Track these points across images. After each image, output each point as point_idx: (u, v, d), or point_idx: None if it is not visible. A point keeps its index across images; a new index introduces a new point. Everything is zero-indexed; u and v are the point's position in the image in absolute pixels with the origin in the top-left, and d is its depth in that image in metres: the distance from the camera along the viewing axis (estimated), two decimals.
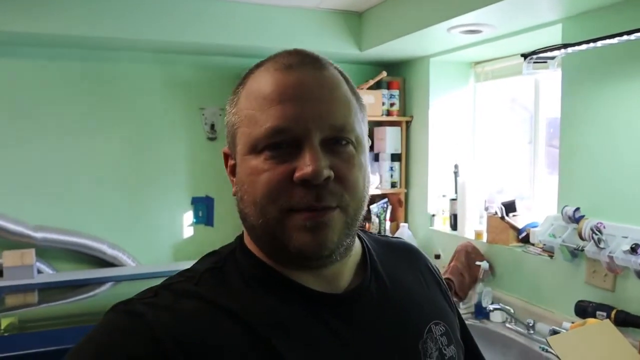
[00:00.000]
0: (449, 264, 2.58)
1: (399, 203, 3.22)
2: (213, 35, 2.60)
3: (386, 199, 3.21)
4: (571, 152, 2.09)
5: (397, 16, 2.56)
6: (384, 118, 3.09)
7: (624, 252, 1.77)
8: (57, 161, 2.77)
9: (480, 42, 2.53)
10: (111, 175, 2.88)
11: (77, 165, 2.80)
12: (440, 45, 2.70)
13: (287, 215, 0.63)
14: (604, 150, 1.95)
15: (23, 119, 2.70)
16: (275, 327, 0.63)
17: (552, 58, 1.99)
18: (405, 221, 3.17)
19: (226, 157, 0.73)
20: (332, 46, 2.83)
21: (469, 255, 2.53)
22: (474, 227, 2.71)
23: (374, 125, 3.21)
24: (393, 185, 3.16)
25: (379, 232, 3.01)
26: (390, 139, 3.11)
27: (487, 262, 2.47)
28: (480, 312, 2.40)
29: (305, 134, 0.63)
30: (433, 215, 3.01)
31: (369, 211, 3.17)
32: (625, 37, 1.71)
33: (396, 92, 3.12)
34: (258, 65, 0.70)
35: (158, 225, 2.99)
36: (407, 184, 3.20)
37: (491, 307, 2.33)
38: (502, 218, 2.45)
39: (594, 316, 1.89)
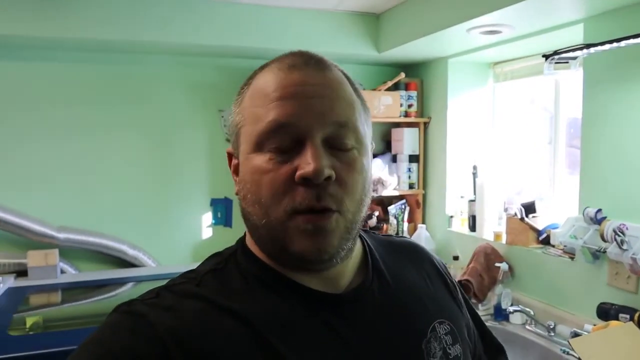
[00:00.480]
0: (468, 265, 2.57)
1: (417, 204, 3.21)
2: (231, 37, 2.62)
3: (404, 200, 3.20)
4: (593, 152, 2.07)
5: (415, 17, 2.56)
6: (402, 119, 3.07)
7: None
8: (80, 163, 2.81)
9: (500, 42, 2.52)
10: (132, 177, 2.92)
11: (99, 167, 2.85)
12: (459, 46, 2.69)
13: (290, 218, 0.63)
14: (626, 151, 1.93)
15: (48, 120, 2.75)
16: (277, 327, 0.64)
17: (574, 58, 1.97)
18: (423, 222, 3.16)
19: (230, 156, 0.74)
20: (350, 48, 2.84)
21: (488, 256, 2.52)
22: (492, 228, 2.69)
23: (391, 126, 3.20)
24: (411, 186, 3.15)
25: (397, 234, 3.01)
26: (408, 140, 3.10)
27: (507, 263, 2.45)
28: (500, 314, 2.38)
29: (307, 131, 0.63)
30: (451, 217, 3.00)
31: (386, 212, 3.17)
32: None
33: (414, 94, 3.11)
34: (263, 67, 0.70)
35: (178, 226, 3.02)
36: (425, 185, 3.19)
37: (511, 308, 2.32)
38: (522, 219, 2.44)
39: (617, 318, 1.87)
